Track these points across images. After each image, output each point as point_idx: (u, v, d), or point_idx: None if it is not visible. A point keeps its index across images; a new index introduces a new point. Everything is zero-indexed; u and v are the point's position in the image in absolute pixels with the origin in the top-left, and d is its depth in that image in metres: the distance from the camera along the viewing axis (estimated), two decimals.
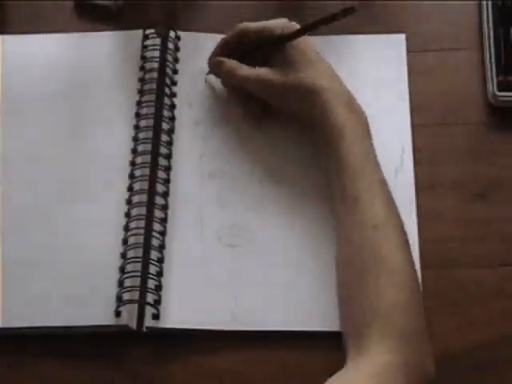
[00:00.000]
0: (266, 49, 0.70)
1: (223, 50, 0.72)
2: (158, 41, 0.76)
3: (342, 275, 0.63)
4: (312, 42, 0.70)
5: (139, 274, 0.65)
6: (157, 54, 0.75)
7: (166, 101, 0.73)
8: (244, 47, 0.72)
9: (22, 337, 0.65)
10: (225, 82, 0.73)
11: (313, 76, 0.67)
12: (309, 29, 0.69)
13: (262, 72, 0.69)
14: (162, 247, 0.67)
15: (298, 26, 0.70)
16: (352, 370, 0.56)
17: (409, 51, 0.75)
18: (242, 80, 0.70)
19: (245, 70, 0.70)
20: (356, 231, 0.62)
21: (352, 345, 0.58)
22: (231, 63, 0.71)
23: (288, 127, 0.72)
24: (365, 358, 0.56)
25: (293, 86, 0.68)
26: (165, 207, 0.69)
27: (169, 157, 0.71)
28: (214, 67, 0.72)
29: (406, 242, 0.62)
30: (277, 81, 0.68)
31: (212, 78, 0.74)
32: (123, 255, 0.67)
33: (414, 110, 0.73)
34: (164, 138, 0.72)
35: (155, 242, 0.67)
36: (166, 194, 0.70)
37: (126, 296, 0.65)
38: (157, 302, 0.65)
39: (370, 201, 0.62)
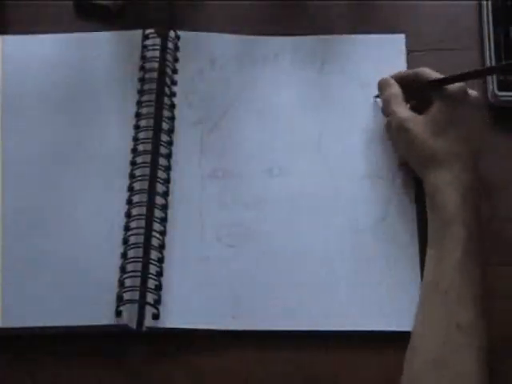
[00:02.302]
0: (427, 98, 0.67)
1: (397, 79, 0.71)
2: (157, 41, 0.76)
3: (409, 361, 0.59)
4: (480, 118, 0.67)
5: (139, 273, 0.66)
6: (157, 53, 0.75)
7: (166, 101, 0.73)
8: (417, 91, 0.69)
9: (22, 337, 0.65)
10: (382, 106, 0.71)
11: (446, 148, 0.64)
12: (461, 78, 0.66)
13: (409, 116, 0.66)
14: (162, 247, 0.67)
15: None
16: None
17: (409, 51, 0.75)
18: (390, 111, 0.68)
19: (398, 104, 0.68)
20: (438, 325, 0.59)
21: None
22: (395, 91, 0.69)
23: None
24: None
25: (419, 146, 0.65)
26: (165, 207, 0.69)
27: (169, 157, 0.71)
28: (382, 85, 0.71)
29: (486, 347, 0.58)
30: (412, 131, 0.66)
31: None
32: (123, 255, 0.67)
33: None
34: (164, 137, 0.72)
35: (155, 242, 0.67)
36: (165, 194, 0.70)
37: (126, 296, 0.65)
38: (157, 302, 0.65)
39: (459, 297, 0.59)
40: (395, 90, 0.69)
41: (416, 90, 0.69)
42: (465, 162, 0.64)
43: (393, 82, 0.70)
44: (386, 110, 0.69)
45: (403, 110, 0.67)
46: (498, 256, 0.68)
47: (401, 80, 0.70)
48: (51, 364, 0.65)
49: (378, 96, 0.73)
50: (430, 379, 0.57)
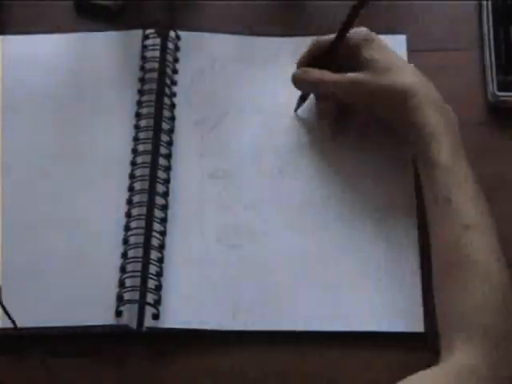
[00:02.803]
0: (343, 54, 0.69)
1: (303, 63, 0.71)
2: (157, 41, 0.76)
3: (435, 276, 0.62)
4: (386, 44, 0.69)
5: (139, 273, 0.66)
6: (157, 53, 0.75)
7: (166, 101, 0.73)
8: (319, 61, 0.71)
9: (22, 337, 0.65)
10: (312, 92, 0.73)
11: (404, 78, 0.67)
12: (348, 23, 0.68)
13: (352, 76, 0.68)
14: (162, 247, 0.67)
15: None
16: (437, 369, 0.56)
17: (409, 51, 0.75)
18: (332, 85, 0.69)
19: (334, 76, 0.69)
20: (447, 231, 0.61)
21: (443, 346, 0.58)
22: (316, 71, 0.70)
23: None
24: (450, 360, 0.56)
25: (386, 88, 0.67)
26: (165, 207, 0.69)
27: (169, 157, 0.71)
28: (299, 78, 0.71)
29: (497, 242, 0.61)
30: (369, 83, 0.67)
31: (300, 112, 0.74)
32: (124, 255, 0.67)
33: None
34: (164, 137, 0.72)
35: (155, 242, 0.67)
36: (166, 194, 0.70)
37: (126, 296, 0.65)
38: (157, 302, 0.65)
39: (462, 200, 0.62)
40: (314, 71, 0.70)
41: (329, 56, 0.70)
42: (422, 82, 0.67)
43: (306, 69, 0.70)
44: (323, 92, 0.71)
45: (340, 75, 0.69)
46: None
47: (307, 61, 0.71)
48: (51, 364, 0.65)
49: (298, 106, 0.74)
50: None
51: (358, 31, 0.69)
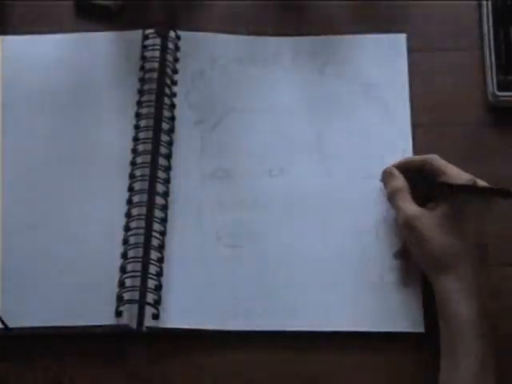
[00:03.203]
0: (441, 192, 0.63)
1: (403, 166, 0.67)
2: (158, 41, 0.76)
3: None
4: (482, 218, 0.63)
5: (139, 273, 0.66)
6: (157, 53, 0.75)
7: (166, 101, 0.73)
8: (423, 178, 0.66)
9: (22, 337, 0.65)
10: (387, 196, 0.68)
11: (455, 252, 0.61)
12: (485, 192, 0.63)
13: (414, 214, 0.63)
14: (161, 247, 0.67)
15: (472, 181, 0.63)
16: None
17: (409, 51, 0.75)
18: (396, 207, 0.65)
19: (403, 200, 0.64)
20: None
21: None
22: (399, 184, 0.66)
23: None
24: None
25: (429, 248, 0.62)
26: (165, 207, 0.69)
27: (169, 157, 0.71)
28: (385, 176, 0.68)
29: None
30: (420, 232, 0.62)
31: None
32: (123, 255, 0.67)
33: (414, 109, 0.73)
34: (164, 137, 0.72)
35: (155, 242, 0.67)
36: (165, 194, 0.70)
37: (126, 296, 0.65)
38: (157, 302, 0.65)
39: None
40: (400, 182, 0.66)
41: (424, 183, 0.66)
42: (473, 265, 0.61)
43: (397, 173, 0.67)
44: (392, 204, 0.66)
45: (409, 206, 0.64)
46: (498, 256, 0.68)
47: (406, 168, 0.67)
48: (51, 364, 0.65)
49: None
50: None
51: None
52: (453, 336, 0.60)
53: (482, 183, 0.63)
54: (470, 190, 0.62)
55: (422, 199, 0.65)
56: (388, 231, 0.68)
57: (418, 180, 0.66)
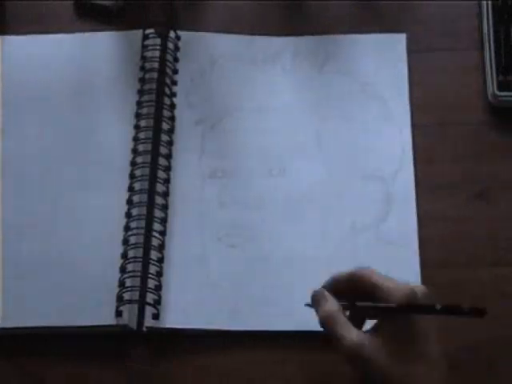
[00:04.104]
0: (380, 311, 0.56)
1: (335, 285, 0.59)
2: (158, 41, 0.76)
3: None
4: (433, 329, 0.55)
5: (139, 273, 0.66)
6: (157, 53, 0.75)
7: (166, 101, 0.73)
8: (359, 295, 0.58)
9: (22, 337, 0.65)
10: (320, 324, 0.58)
11: (412, 379, 0.54)
12: (427, 312, 0.55)
13: (360, 341, 0.54)
14: (162, 247, 0.67)
15: (426, 301, 0.55)
16: None
17: (409, 51, 0.75)
18: (336, 337, 0.56)
19: (343, 327, 0.56)
20: None
21: None
22: (334, 309, 0.57)
23: None
24: None
25: (386, 378, 0.54)
26: (165, 207, 0.69)
27: (169, 157, 0.71)
28: (315, 300, 0.59)
29: None
30: (370, 361, 0.54)
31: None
32: (123, 255, 0.67)
33: (414, 109, 0.73)
34: (164, 137, 0.72)
35: (155, 242, 0.67)
36: (165, 194, 0.70)
37: (126, 296, 0.65)
38: (157, 302, 0.65)
39: None
40: (332, 305, 0.57)
41: (359, 299, 0.57)
42: None
43: (327, 295, 0.58)
44: (327, 331, 0.57)
45: (348, 333, 0.55)
46: (498, 256, 0.68)
47: (336, 286, 0.59)
48: (51, 364, 0.65)
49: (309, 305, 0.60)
50: None
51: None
52: None
53: (420, 290, 0.56)
54: (417, 310, 0.55)
55: (360, 318, 0.59)
56: (388, 230, 0.68)
57: (352, 297, 0.58)
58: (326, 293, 0.58)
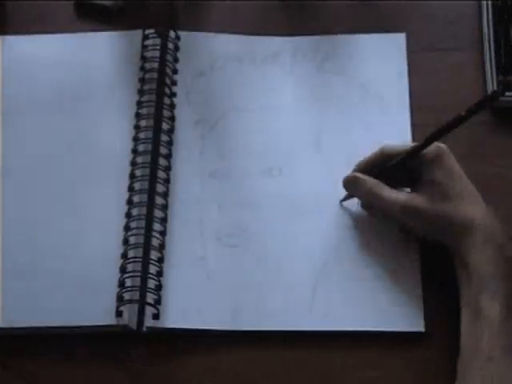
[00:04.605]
0: (407, 168, 0.64)
1: (361, 170, 0.66)
2: (158, 41, 0.76)
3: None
4: (459, 169, 0.63)
5: (139, 273, 0.66)
6: (157, 53, 0.75)
7: (166, 101, 0.73)
8: (382, 165, 0.66)
9: (22, 337, 0.65)
10: (363, 202, 0.67)
11: (464, 210, 0.61)
12: (440, 135, 0.62)
13: (407, 198, 0.63)
14: (162, 247, 0.67)
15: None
16: None
17: (409, 51, 0.75)
18: (384, 202, 0.64)
19: (388, 192, 0.64)
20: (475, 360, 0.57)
21: None
22: (371, 182, 0.65)
23: None
24: None
25: (442, 218, 0.62)
26: (165, 207, 0.69)
27: (169, 157, 0.71)
28: (351, 183, 0.66)
29: None
30: (424, 209, 0.62)
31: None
32: (123, 255, 0.67)
33: (414, 110, 0.73)
34: (164, 137, 0.72)
35: (155, 242, 0.67)
36: (165, 194, 0.70)
37: (126, 296, 0.65)
38: (157, 302, 0.65)
39: (506, 365, 0.56)
40: (371, 181, 0.65)
41: (392, 168, 0.65)
42: (484, 216, 0.62)
43: (362, 176, 0.66)
44: (374, 202, 0.65)
45: (396, 194, 0.64)
46: None
47: (366, 167, 0.66)
48: (51, 364, 0.65)
49: (345, 199, 0.69)
50: None
51: (431, 147, 0.63)
52: (473, 282, 0.59)
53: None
54: (432, 139, 0.62)
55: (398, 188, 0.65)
56: (389, 229, 0.68)
57: (383, 173, 0.65)
58: (359, 174, 0.66)
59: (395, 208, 0.63)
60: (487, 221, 0.61)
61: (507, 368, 0.56)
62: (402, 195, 0.64)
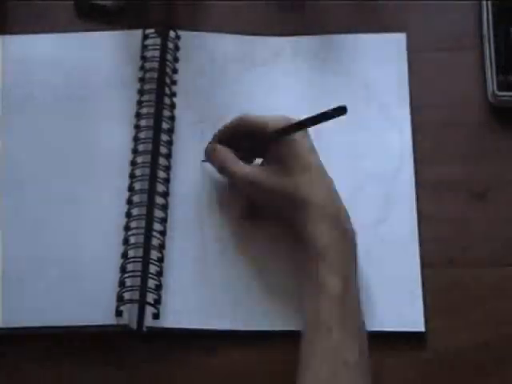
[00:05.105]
0: (262, 143, 0.66)
1: (221, 137, 0.69)
2: (158, 41, 0.75)
3: None
4: (310, 144, 0.65)
5: (139, 273, 0.66)
6: (157, 53, 0.75)
7: (166, 100, 0.73)
8: (243, 138, 0.68)
9: (22, 337, 0.65)
10: (218, 171, 0.69)
11: (302, 185, 0.63)
12: (297, 128, 0.64)
13: (250, 171, 0.65)
14: (162, 247, 0.67)
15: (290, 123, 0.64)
16: None
17: (409, 51, 0.75)
18: (230, 174, 0.67)
19: (235, 165, 0.66)
20: (325, 362, 0.57)
21: None
22: (225, 154, 0.67)
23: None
24: None
25: (279, 192, 0.63)
26: (165, 207, 0.69)
27: (169, 156, 0.71)
28: (208, 154, 0.69)
29: None
30: (263, 183, 0.64)
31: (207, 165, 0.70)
32: (124, 255, 0.67)
33: (414, 109, 0.73)
34: (164, 137, 0.72)
35: (155, 242, 0.67)
36: (165, 194, 0.70)
37: (126, 296, 0.65)
38: (157, 302, 0.65)
39: (344, 333, 0.57)
40: (224, 152, 0.68)
41: (246, 142, 0.67)
42: (321, 192, 0.63)
43: (218, 147, 0.68)
44: (225, 174, 0.68)
45: (243, 167, 0.66)
46: (499, 256, 0.68)
47: (224, 137, 0.69)
48: (51, 364, 0.65)
49: (205, 161, 0.71)
50: None
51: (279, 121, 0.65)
52: (311, 257, 0.61)
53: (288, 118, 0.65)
54: (289, 130, 0.64)
55: (249, 160, 0.68)
56: (388, 230, 0.68)
57: (239, 141, 0.68)
58: (215, 144, 0.68)
59: (244, 183, 0.66)
60: (326, 197, 0.63)
61: (344, 338, 0.57)
62: (249, 169, 0.66)
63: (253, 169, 0.66)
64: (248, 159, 0.68)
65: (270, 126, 0.65)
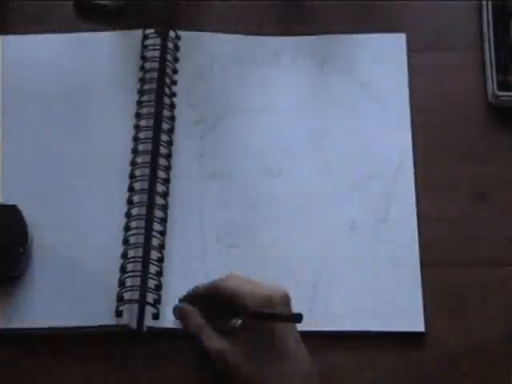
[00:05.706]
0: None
1: (192, 300, 0.64)
2: (158, 41, 0.75)
3: None
4: (289, 331, 0.58)
5: (139, 273, 0.66)
6: (157, 53, 0.75)
7: (166, 100, 0.73)
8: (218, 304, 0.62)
9: (22, 337, 0.65)
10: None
11: (271, 378, 0.57)
12: (269, 318, 0.57)
13: (223, 348, 0.59)
14: (162, 247, 0.67)
15: (283, 306, 0.58)
16: None
17: (409, 51, 0.75)
18: (202, 347, 0.61)
19: (206, 339, 0.61)
20: None
21: None
22: (197, 322, 0.62)
23: None
24: None
25: (245, 380, 0.58)
26: (165, 207, 0.69)
27: (169, 157, 0.71)
28: (178, 317, 0.64)
29: None
30: (237, 368, 0.58)
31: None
32: (124, 255, 0.67)
33: (414, 109, 0.73)
34: (164, 137, 0.72)
35: (155, 242, 0.67)
36: (165, 194, 0.70)
37: (126, 296, 0.65)
38: (157, 302, 0.65)
39: None
40: (197, 320, 0.62)
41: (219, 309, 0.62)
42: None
43: (190, 311, 0.63)
44: (196, 340, 0.62)
45: (213, 343, 0.60)
46: (499, 256, 0.68)
47: (196, 299, 0.64)
48: (51, 364, 0.65)
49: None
50: None
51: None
52: None
53: (279, 294, 0.58)
54: (263, 317, 0.57)
55: (225, 324, 0.62)
56: (388, 230, 0.68)
57: (214, 307, 0.62)
58: (188, 308, 0.63)
59: (214, 358, 0.60)
60: None
61: None
62: (222, 347, 0.59)
63: (224, 346, 0.59)
64: (224, 319, 0.63)
65: (249, 304, 0.58)
